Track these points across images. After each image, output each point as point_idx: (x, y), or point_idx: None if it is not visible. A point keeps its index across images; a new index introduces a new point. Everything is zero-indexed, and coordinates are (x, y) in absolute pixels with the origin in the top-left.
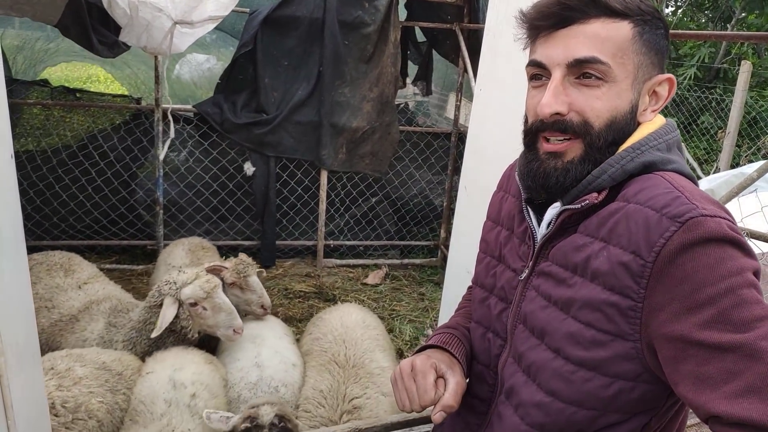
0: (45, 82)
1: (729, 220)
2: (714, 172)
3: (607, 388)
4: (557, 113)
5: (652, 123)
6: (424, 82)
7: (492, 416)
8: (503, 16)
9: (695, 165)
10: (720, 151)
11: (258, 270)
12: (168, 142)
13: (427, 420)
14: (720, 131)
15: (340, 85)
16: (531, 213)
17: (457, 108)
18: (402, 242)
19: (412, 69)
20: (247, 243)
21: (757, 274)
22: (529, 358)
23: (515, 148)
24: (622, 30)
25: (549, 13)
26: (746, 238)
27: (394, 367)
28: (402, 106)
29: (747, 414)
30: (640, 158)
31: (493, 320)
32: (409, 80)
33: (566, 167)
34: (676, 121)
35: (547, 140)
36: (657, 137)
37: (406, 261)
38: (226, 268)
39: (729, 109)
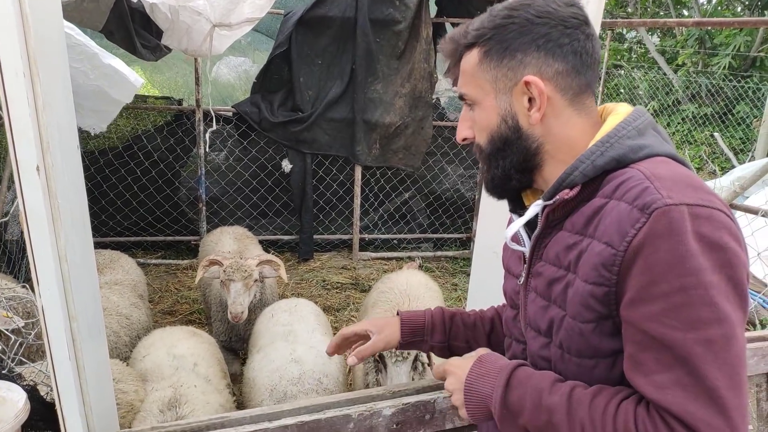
0: None
1: (703, 206)
2: (749, 161)
3: (611, 368)
4: (466, 138)
5: (616, 114)
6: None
7: None
8: None
9: (731, 155)
10: (756, 140)
11: (253, 274)
12: (208, 134)
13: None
14: (755, 120)
15: (372, 81)
16: (515, 219)
17: None
18: (435, 235)
19: (442, 65)
20: (285, 237)
21: (728, 266)
22: (543, 356)
23: None
24: (472, 58)
25: (447, 56)
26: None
27: None
28: (434, 101)
29: (668, 404)
30: (609, 152)
31: (511, 327)
32: (440, 75)
33: (487, 177)
34: (711, 111)
35: None
36: (625, 126)
37: (439, 253)
38: (222, 265)
39: (765, 98)
